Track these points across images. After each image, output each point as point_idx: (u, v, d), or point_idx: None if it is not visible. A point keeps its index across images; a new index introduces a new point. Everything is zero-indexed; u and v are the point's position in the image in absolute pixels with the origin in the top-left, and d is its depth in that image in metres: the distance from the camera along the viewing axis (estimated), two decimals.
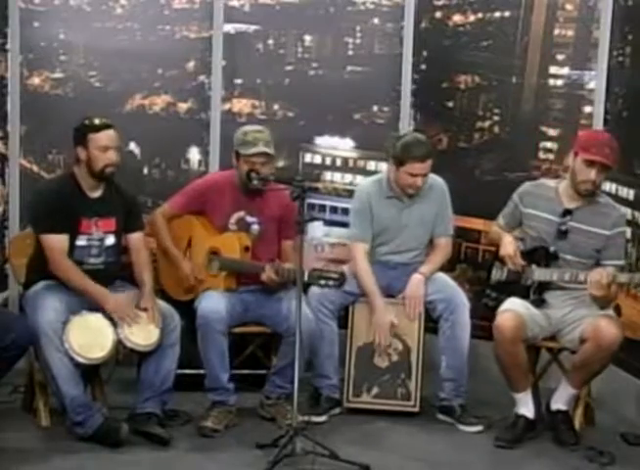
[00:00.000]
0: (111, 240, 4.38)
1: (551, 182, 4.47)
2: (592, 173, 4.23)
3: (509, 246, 4.42)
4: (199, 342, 4.39)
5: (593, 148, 4.23)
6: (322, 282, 4.23)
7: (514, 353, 4.24)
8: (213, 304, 4.39)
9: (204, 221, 4.64)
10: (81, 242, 4.32)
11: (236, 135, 4.56)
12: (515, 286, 4.41)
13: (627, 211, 4.71)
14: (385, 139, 5.14)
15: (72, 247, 4.30)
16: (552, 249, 4.33)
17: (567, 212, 4.34)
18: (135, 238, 4.48)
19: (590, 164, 4.23)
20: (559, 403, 4.35)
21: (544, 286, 4.35)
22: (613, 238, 4.30)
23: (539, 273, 4.33)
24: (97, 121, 4.31)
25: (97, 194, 4.37)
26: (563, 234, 4.33)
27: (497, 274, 4.50)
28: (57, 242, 4.26)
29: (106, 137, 4.29)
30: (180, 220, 4.66)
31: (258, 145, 4.47)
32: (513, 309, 4.29)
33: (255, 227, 4.61)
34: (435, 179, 4.73)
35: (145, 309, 4.28)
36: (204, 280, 4.55)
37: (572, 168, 4.31)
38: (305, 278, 4.18)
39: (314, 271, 4.25)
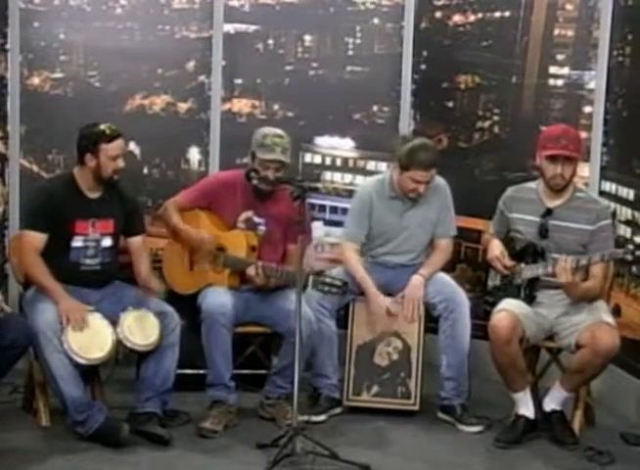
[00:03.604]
0: (107, 242, 4.39)
1: (532, 184, 4.50)
2: (557, 168, 4.28)
3: (495, 249, 4.46)
4: (203, 336, 4.39)
5: (550, 143, 4.30)
6: (325, 289, 4.24)
7: (510, 353, 4.24)
8: (219, 298, 4.39)
9: (212, 217, 4.64)
10: (77, 243, 4.33)
11: (255, 135, 4.55)
12: (508, 287, 4.42)
13: (627, 212, 4.73)
14: (386, 139, 5.17)
15: (68, 248, 4.31)
16: (539, 246, 4.35)
17: (547, 212, 4.37)
18: (136, 241, 4.49)
19: (552, 159, 4.28)
20: (552, 404, 4.35)
21: (534, 283, 4.37)
22: (597, 232, 4.31)
23: (526, 270, 4.36)
24: (108, 131, 4.30)
25: (96, 195, 4.38)
26: (545, 233, 4.35)
27: (492, 280, 4.54)
28: (32, 238, 4.29)
29: (117, 147, 4.30)
30: (189, 215, 4.67)
31: (276, 151, 4.47)
32: (506, 309, 4.31)
33: (262, 228, 4.61)
34: (438, 180, 4.72)
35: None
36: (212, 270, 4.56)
37: (540, 167, 4.37)
38: (309, 283, 4.19)
39: (317, 277, 4.26)
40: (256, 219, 4.62)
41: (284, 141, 4.51)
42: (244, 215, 4.60)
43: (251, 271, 4.42)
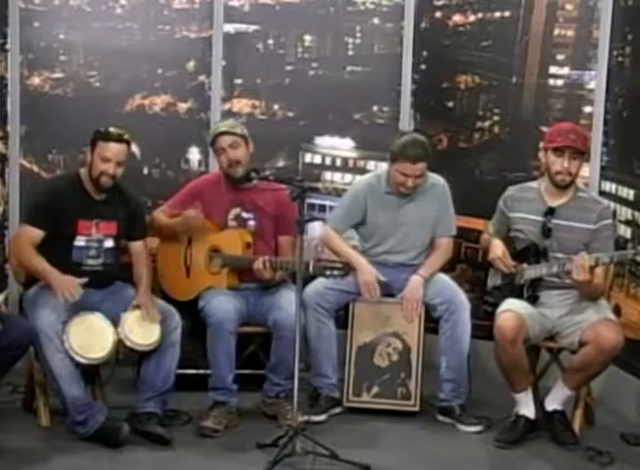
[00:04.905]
0: (109, 243, 4.39)
1: (533, 183, 4.51)
2: (564, 162, 4.29)
3: (497, 248, 4.45)
4: (208, 342, 4.39)
5: (558, 137, 4.32)
6: (327, 272, 4.25)
7: (515, 354, 4.24)
8: (224, 303, 4.40)
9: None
10: (80, 243, 4.34)
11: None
12: (509, 288, 4.42)
13: (627, 212, 4.73)
14: (386, 139, 5.17)
15: (71, 247, 4.32)
16: (542, 246, 4.35)
17: (550, 211, 4.37)
18: (138, 245, 4.51)
19: (559, 152, 4.29)
20: (554, 404, 4.35)
21: (537, 283, 4.37)
22: (599, 231, 4.32)
23: (529, 270, 4.36)
24: (111, 131, 4.33)
25: (101, 197, 4.39)
26: (547, 232, 4.35)
27: (492, 280, 4.54)
28: (30, 232, 4.30)
29: (111, 150, 4.30)
30: None
31: (220, 129, 4.59)
32: (512, 309, 4.30)
33: (252, 223, 4.63)
34: (437, 179, 4.72)
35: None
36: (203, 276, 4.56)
37: (546, 164, 4.38)
38: (310, 270, 4.20)
39: (319, 262, 4.27)
40: (245, 215, 4.64)
41: (228, 122, 4.68)
42: (233, 213, 4.62)
43: (259, 264, 4.41)
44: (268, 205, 4.61)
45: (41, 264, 4.25)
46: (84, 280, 4.24)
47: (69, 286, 4.18)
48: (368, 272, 4.62)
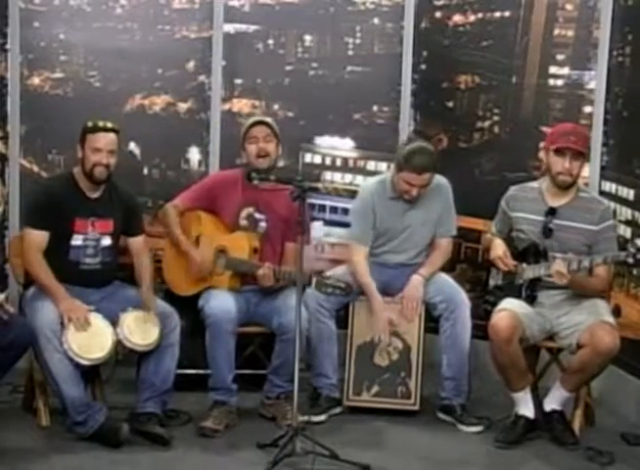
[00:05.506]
0: (107, 241, 4.40)
1: (534, 183, 4.52)
2: (565, 162, 4.29)
3: (498, 248, 4.46)
4: (207, 342, 4.39)
5: (560, 138, 4.32)
6: (329, 290, 4.24)
7: (510, 353, 4.24)
8: (223, 303, 4.39)
9: (213, 218, 4.66)
10: (77, 242, 4.34)
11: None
12: (510, 287, 4.42)
13: (627, 212, 4.73)
14: (386, 139, 5.18)
15: (68, 247, 4.32)
16: (542, 245, 4.35)
17: (551, 211, 4.37)
18: (136, 242, 4.50)
19: (560, 153, 4.30)
20: (553, 404, 4.35)
21: (535, 283, 4.37)
22: (601, 233, 4.32)
23: (528, 270, 4.36)
24: (99, 123, 4.35)
25: (96, 195, 4.39)
26: (549, 232, 4.36)
27: (494, 280, 4.54)
28: (35, 236, 4.31)
29: (100, 140, 4.32)
30: (189, 216, 4.68)
31: (256, 119, 4.68)
32: (508, 308, 4.31)
33: (263, 225, 4.63)
34: (440, 179, 4.71)
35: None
36: (211, 274, 4.55)
37: (547, 164, 4.39)
38: (313, 285, 4.20)
39: (322, 279, 4.26)
40: (258, 215, 4.63)
41: (263, 118, 4.74)
42: (245, 212, 4.62)
43: (264, 271, 4.40)
44: (281, 207, 4.59)
45: (50, 281, 4.25)
46: (92, 308, 4.25)
47: (77, 313, 4.18)
48: (381, 313, 4.61)
